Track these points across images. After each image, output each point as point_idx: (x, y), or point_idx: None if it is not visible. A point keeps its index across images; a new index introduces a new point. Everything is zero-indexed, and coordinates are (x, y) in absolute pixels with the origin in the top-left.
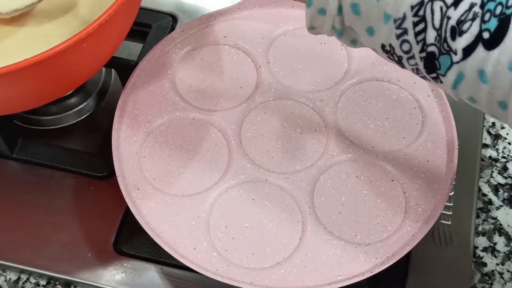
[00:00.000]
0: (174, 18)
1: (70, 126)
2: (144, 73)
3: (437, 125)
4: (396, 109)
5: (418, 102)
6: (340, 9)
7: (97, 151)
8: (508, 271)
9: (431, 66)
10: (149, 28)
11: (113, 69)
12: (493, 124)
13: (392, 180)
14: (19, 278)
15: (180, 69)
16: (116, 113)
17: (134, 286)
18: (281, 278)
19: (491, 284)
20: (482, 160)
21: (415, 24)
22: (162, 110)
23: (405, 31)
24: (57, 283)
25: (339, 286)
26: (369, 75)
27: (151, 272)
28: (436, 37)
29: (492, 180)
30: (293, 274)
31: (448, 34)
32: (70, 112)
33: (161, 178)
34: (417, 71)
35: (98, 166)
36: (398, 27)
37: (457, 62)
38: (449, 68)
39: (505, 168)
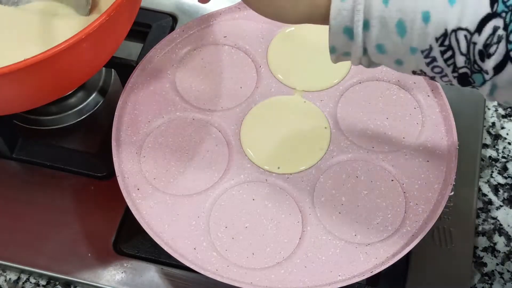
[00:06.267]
0: (174, 18)
1: (70, 126)
2: (144, 73)
3: (437, 125)
4: (396, 109)
5: (418, 102)
6: (365, 51)
7: (97, 151)
8: (508, 271)
9: (466, 82)
10: (149, 28)
11: (113, 69)
12: (493, 124)
13: (392, 180)
14: (19, 278)
15: (180, 69)
16: (116, 113)
17: (134, 286)
18: (281, 278)
19: (491, 284)
20: (482, 160)
21: (443, 53)
22: (162, 110)
23: (434, 59)
24: (57, 283)
25: (339, 286)
26: (369, 75)
27: (151, 272)
28: (465, 61)
29: (492, 180)
30: (293, 274)
31: (477, 57)
32: (70, 112)
33: (161, 178)
34: (451, 84)
35: (98, 166)
36: (426, 57)
37: (490, 79)
38: (483, 83)
39: (505, 168)
